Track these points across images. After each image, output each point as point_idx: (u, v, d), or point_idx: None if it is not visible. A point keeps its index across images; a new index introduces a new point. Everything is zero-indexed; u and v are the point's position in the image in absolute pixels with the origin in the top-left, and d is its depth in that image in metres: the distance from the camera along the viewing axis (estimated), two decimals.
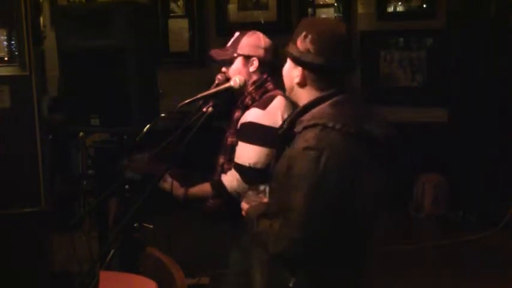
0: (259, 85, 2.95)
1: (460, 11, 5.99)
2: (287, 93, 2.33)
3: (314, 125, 2.08)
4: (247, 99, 2.92)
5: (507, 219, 5.56)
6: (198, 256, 4.74)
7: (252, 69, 2.96)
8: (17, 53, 3.79)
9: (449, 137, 6.01)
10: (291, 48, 2.21)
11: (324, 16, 6.53)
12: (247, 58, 2.96)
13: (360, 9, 6.40)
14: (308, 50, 2.15)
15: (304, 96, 2.22)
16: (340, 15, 6.46)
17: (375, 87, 6.37)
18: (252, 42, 2.98)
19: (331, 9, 6.53)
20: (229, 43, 3.02)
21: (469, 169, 5.82)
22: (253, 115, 2.81)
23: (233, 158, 2.85)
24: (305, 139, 2.07)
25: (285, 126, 2.23)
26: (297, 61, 2.19)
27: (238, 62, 2.96)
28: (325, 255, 2.12)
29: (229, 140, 2.94)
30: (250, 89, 2.93)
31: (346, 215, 2.10)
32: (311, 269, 2.17)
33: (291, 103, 2.75)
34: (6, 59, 3.81)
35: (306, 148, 2.04)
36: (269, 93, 2.93)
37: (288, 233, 2.05)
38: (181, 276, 2.33)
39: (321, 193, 2.02)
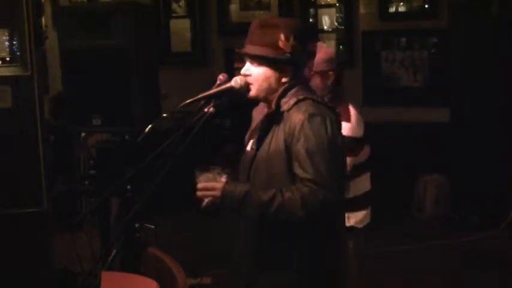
0: (334, 96, 3.07)
1: (462, 11, 5.97)
2: (260, 94, 2.31)
3: (304, 99, 2.24)
4: None
5: (509, 220, 5.55)
6: (200, 256, 4.75)
7: (329, 82, 3.09)
8: (18, 53, 3.78)
9: (451, 137, 5.99)
10: (271, 53, 2.24)
11: (325, 17, 6.53)
12: (323, 73, 3.08)
13: (362, 9, 6.39)
14: (296, 48, 2.26)
15: (283, 89, 2.31)
16: (342, 15, 6.46)
17: (377, 87, 6.37)
18: (324, 57, 3.10)
19: (333, 10, 6.52)
20: None
21: (471, 169, 5.81)
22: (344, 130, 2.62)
23: None
24: (303, 111, 2.21)
25: (273, 107, 2.29)
26: (290, 62, 2.26)
27: (316, 79, 3.06)
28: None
29: None
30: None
31: (343, 177, 2.37)
32: (322, 236, 2.28)
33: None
34: (7, 59, 3.79)
35: (311, 115, 2.19)
36: (342, 103, 3.02)
37: (324, 195, 2.12)
38: (182, 276, 2.33)
39: (335, 154, 2.20)
